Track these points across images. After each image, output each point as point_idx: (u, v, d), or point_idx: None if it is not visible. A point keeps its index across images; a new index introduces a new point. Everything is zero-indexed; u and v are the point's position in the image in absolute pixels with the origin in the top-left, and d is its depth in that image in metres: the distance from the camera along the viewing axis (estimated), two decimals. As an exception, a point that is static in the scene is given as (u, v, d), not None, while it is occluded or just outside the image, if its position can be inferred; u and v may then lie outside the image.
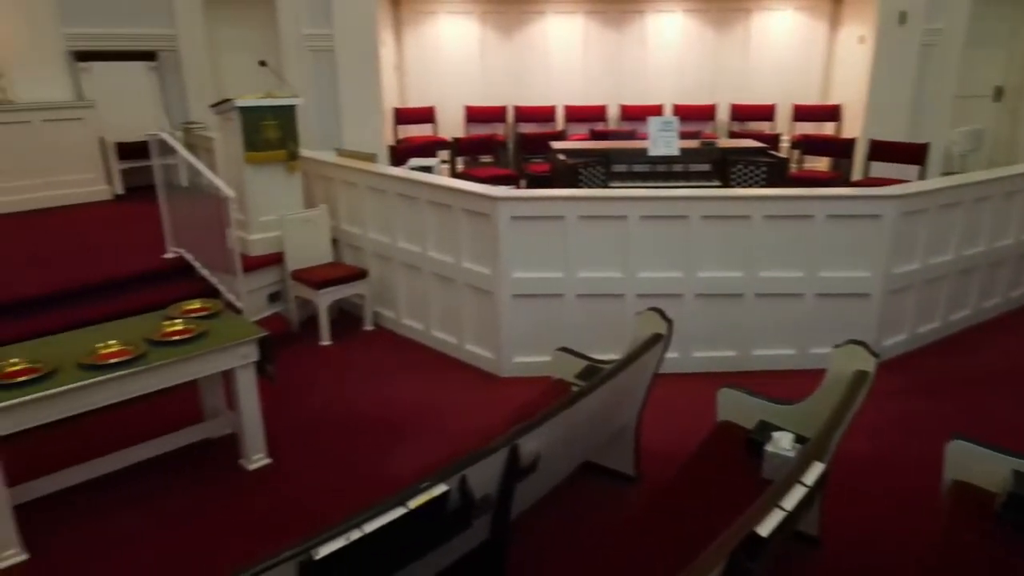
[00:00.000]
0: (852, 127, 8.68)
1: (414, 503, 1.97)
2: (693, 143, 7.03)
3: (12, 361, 3.05)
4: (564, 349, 3.65)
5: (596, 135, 8.48)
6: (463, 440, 3.94)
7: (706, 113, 9.48)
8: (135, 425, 3.88)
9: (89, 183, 7.01)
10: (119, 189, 7.21)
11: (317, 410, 4.34)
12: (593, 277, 4.57)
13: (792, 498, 1.96)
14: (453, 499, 2.18)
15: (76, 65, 7.08)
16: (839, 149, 8.32)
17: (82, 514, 3.35)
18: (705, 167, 6.70)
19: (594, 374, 3.30)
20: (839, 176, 8.12)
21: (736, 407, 3.19)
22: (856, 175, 8.06)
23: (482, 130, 9.25)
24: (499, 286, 4.60)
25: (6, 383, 2.90)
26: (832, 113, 9.16)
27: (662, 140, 6.64)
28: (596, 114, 9.51)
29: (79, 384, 2.98)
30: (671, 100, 9.50)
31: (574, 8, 9.30)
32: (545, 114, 9.47)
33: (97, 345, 3.22)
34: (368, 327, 5.54)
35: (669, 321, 3.29)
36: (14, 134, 6.50)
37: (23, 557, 3.05)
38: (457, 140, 8.39)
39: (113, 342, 3.25)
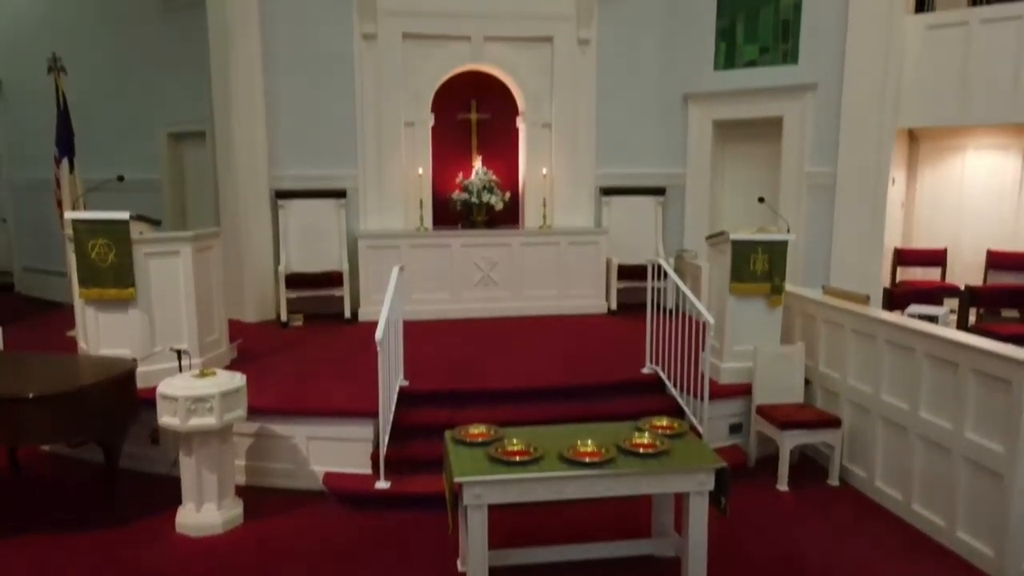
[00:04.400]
0: None
1: None
2: None
3: (514, 441, 3.61)
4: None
5: None
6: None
7: None
8: (592, 522, 4.16)
9: (591, 297, 8.07)
10: (613, 305, 8.12)
11: (764, 558, 4.05)
12: None
13: None
14: None
15: (600, 198, 8.37)
16: None
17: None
18: None
19: None
20: None
21: None
22: None
23: (1007, 279, 7.83)
24: (1015, 470, 3.71)
25: (507, 460, 3.43)
26: None
27: None
28: None
29: (558, 474, 3.35)
30: None
31: None
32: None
33: (577, 441, 3.59)
34: (833, 482, 5.02)
35: None
36: (546, 253, 7.94)
37: (488, 614, 3.48)
38: (971, 288, 7.26)
39: (589, 442, 3.59)
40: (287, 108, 7.68)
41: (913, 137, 8.23)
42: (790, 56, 7.75)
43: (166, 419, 4.19)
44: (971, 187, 8.20)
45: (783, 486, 4.94)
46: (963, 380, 4.05)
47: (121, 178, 6.15)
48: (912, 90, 7.35)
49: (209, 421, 4.15)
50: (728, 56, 8.08)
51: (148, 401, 4.47)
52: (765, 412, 5.15)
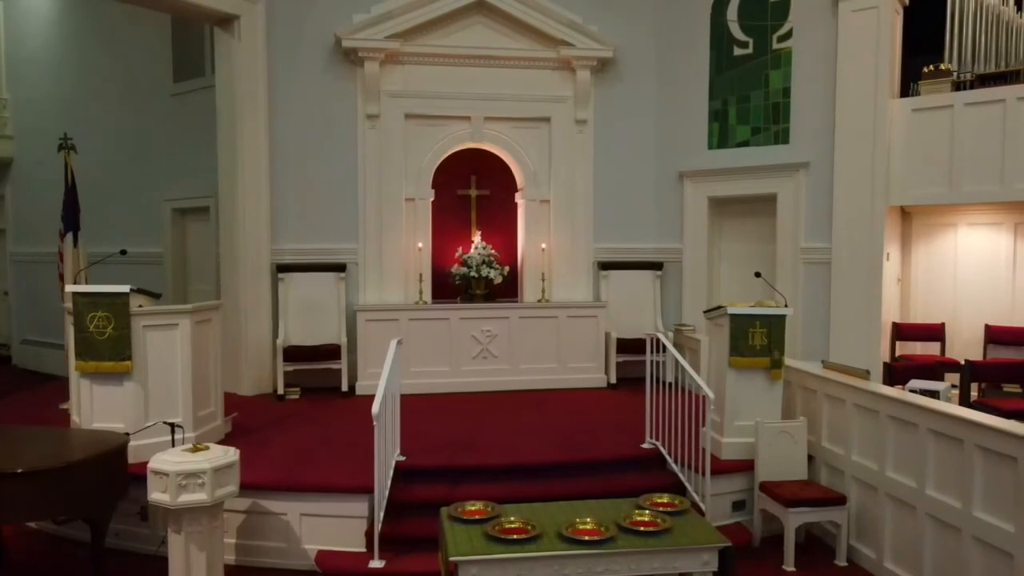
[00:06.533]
0: None
1: None
2: None
3: (511, 519, 3.53)
4: None
5: None
6: None
7: None
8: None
9: (591, 371, 8.03)
10: (612, 379, 8.07)
11: (773, 646, 3.89)
12: None
13: None
14: None
15: (599, 273, 8.45)
16: None
17: None
18: None
19: None
20: None
21: None
22: None
23: (1007, 354, 7.81)
24: (1026, 551, 3.61)
25: (504, 538, 3.34)
26: None
27: None
28: None
29: (556, 553, 3.27)
30: None
31: None
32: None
33: (576, 519, 3.51)
34: (840, 562, 4.88)
35: None
36: (545, 326, 7.95)
37: None
38: (972, 363, 7.24)
39: (589, 520, 3.51)
40: (290, 184, 7.84)
41: (906, 214, 8.37)
42: (781, 136, 7.97)
43: (156, 495, 4.09)
44: (965, 263, 8.29)
45: (789, 566, 4.80)
46: (968, 457, 3.99)
47: (124, 252, 6.22)
48: (902, 169, 7.51)
49: (200, 497, 4.05)
50: (721, 136, 8.31)
51: (139, 476, 4.38)
52: (769, 489, 5.04)
